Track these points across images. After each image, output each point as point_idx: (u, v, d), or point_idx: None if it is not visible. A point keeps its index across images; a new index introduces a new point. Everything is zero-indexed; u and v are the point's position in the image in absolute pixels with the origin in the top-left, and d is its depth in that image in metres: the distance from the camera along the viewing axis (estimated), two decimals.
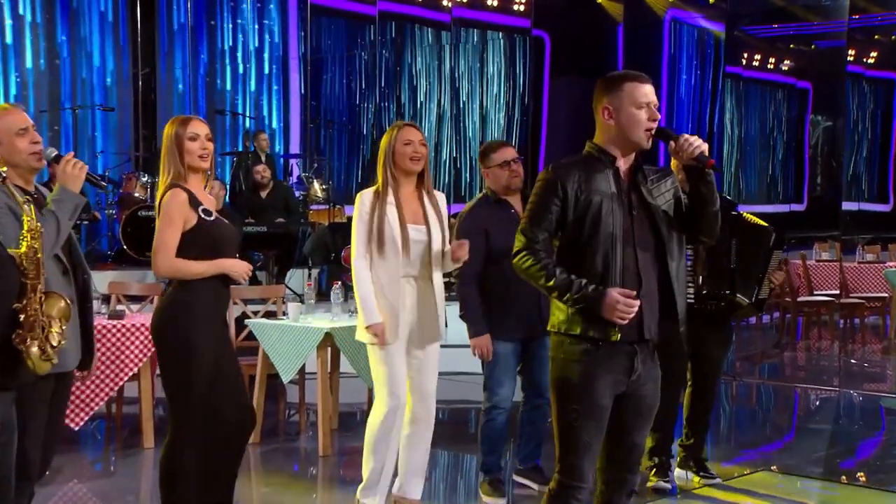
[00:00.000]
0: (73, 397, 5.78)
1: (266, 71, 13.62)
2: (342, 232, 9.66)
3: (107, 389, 5.95)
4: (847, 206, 17.51)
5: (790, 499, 5.15)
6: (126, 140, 12.54)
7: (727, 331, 5.29)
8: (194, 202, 3.94)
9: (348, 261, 6.17)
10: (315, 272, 10.12)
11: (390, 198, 4.40)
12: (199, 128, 3.99)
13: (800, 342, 11.00)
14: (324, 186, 11.37)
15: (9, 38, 11.60)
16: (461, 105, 14.96)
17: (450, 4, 14.73)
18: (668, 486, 5.08)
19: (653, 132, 3.22)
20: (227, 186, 11.04)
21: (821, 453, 6.16)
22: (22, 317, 3.16)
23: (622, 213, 3.20)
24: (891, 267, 11.00)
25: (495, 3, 15.14)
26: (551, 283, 3.15)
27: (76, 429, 5.90)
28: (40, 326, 3.19)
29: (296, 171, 12.43)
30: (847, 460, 6.14)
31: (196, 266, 3.93)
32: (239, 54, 13.41)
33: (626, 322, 3.11)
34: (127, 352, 5.95)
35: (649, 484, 5.06)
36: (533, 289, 3.34)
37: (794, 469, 5.67)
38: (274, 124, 13.66)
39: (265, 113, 13.60)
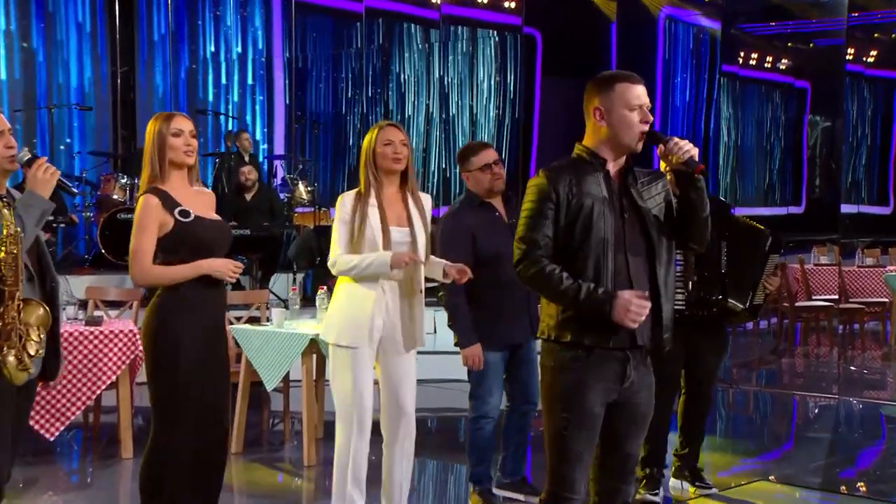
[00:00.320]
0: (48, 406, 5.70)
1: (250, 69, 13.43)
2: (328, 235, 9.48)
3: (84, 398, 5.83)
4: (846, 208, 17.39)
5: None
6: (105, 140, 12.33)
7: (722, 337, 5.16)
8: (170, 204, 3.84)
9: None
10: (300, 277, 10.05)
11: (372, 199, 4.29)
12: (183, 124, 3.92)
13: (798, 348, 10.93)
14: (309, 189, 11.20)
15: None
16: (450, 105, 14.82)
17: (439, 1, 14.58)
18: (657, 499, 4.93)
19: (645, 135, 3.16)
20: (210, 188, 10.87)
21: (820, 462, 6.09)
22: None
23: (613, 218, 3.16)
24: (891, 271, 10.91)
25: (485, 0, 15.00)
26: (559, 289, 3.08)
27: (52, 439, 5.78)
28: (17, 335, 3.13)
29: (280, 173, 12.27)
30: (847, 470, 6.07)
31: (174, 272, 3.85)
32: (222, 53, 13.23)
33: (636, 325, 3.06)
34: (105, 359, 5.83)
35: (637, 496, 4.92)
36: (523, 291, 3.29)
37: (792, 479, 5.60)
38: (257, 124, 13.48)
39: (248, 112, 13.41)
